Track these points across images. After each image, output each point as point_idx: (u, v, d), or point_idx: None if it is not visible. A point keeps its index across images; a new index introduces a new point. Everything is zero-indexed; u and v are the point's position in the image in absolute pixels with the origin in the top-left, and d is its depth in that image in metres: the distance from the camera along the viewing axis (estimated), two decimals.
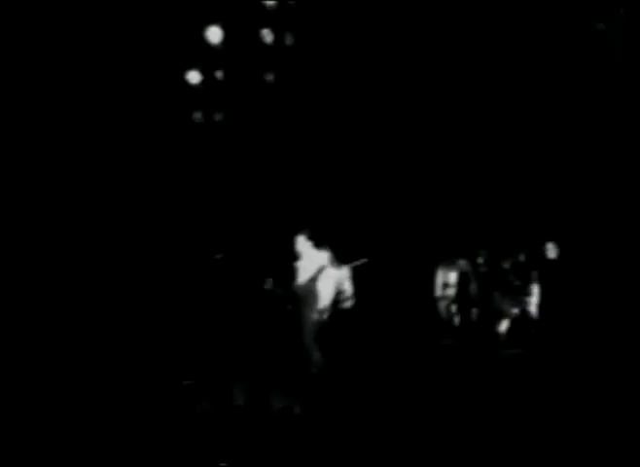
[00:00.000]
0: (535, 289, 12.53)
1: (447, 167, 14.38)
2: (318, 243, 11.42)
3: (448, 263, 13.61)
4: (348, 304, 11.76)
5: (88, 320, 12.36)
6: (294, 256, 11.45)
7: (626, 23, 13.53)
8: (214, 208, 14.23)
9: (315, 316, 11.30)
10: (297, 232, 11.40)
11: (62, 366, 10.88)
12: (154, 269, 13.47)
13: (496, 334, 12.69)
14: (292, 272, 11.47)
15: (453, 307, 13.80)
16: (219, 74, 13.31)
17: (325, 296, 11.55)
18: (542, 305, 12.44)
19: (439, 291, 13.68)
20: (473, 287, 13.70)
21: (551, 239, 12.60)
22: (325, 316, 11.53)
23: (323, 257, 11.44)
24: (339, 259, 11.65)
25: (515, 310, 12.63)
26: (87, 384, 10.20)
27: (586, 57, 13.76)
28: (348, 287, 11.82)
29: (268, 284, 11.54)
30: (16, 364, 10.72)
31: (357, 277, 11.86)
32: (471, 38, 14.06)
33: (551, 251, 12.53)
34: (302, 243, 11.40)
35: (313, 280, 11.33)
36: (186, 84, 13.37)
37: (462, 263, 13.47)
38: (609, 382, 9.97)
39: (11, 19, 12.70)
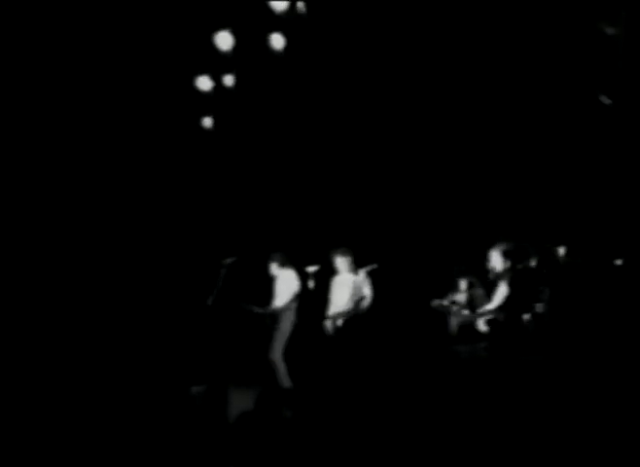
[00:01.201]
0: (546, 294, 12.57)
1: (457, 172, 14.44)
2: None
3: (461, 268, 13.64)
4: (365, 306, 11.80)
5: (90, 321, 12.40)
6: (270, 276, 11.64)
7: (627, 26, 13.60)
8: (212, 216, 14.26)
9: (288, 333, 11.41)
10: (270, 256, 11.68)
11: (65, 368, 10.93)
12: (154, 272, 13.50)
13: (507, 339, 12.71)
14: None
15: (465, 312, 13.83)
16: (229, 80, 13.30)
17: (341, 301, 11.61)
18: (551, 310, 12.48)
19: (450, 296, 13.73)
20: (480, 292, 13.72)
21: (561, 244, 12.67)
22: (340, 323, 11.56)
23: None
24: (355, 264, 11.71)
25: (527, 315, 12.63)
26: (89, 386, 10.24)
27: (589, 60, 13.84)
28: (366, 291, 11.86)
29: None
30: (19, 365, 10.75)
31: (372, 283, 11.92)
32: (474, 40, 14.10)
33: (562, 255, 12.59)
34: (275, 267, 11.65)
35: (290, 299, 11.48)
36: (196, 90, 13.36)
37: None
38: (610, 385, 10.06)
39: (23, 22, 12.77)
